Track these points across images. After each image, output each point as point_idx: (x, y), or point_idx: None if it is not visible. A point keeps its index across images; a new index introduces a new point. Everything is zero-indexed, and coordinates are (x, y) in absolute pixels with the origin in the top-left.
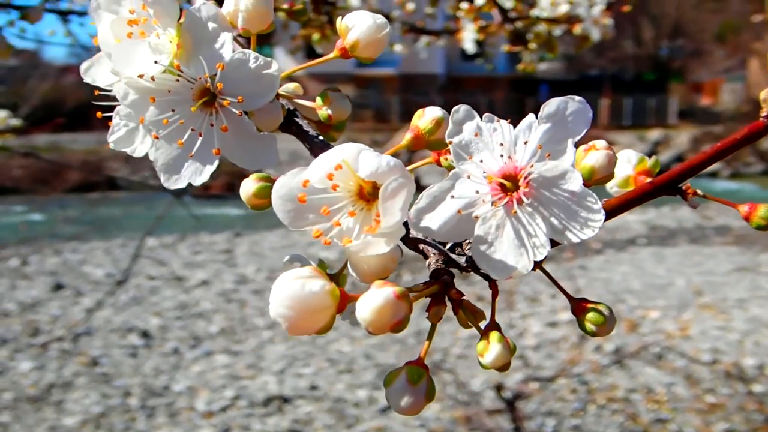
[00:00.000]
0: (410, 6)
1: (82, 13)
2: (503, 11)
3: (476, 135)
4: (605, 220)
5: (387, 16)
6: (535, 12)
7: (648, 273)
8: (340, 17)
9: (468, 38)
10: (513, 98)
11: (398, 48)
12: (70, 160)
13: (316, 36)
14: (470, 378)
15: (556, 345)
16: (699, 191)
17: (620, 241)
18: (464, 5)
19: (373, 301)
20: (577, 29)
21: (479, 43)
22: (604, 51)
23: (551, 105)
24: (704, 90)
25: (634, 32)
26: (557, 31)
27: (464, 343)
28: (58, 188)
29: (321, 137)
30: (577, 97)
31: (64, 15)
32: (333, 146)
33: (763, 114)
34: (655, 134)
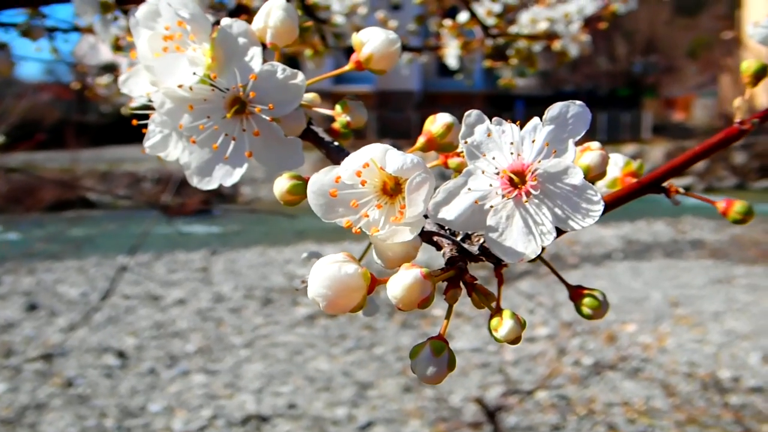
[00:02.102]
0: (392, 23)
1: (67, 30)
2: (485, 28)
3: (488, 135)
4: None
5: None
6: (515, 29)
7: (624, 287)
8: (354, 32)
9: (452, 54)
10: (489, 114)
11: None
12: (45, 178)
13: (308, 52)
14: (449, 393)
15: (534, 359)
16: (681, 189)
17: (597, 255)
18: (447, 22)
19: (403, 280)
20: (556, 45)
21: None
22: (579, 67)
23: (554, 109)
24: (677, 105)
25: (608, 49)
26: (537, 47)
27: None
28: (33, 207)
29: (336, 143)
30: (578, 102)
31: (50, 32)
32: (347, 151)
33: (737, 120)
34: (629, 149)
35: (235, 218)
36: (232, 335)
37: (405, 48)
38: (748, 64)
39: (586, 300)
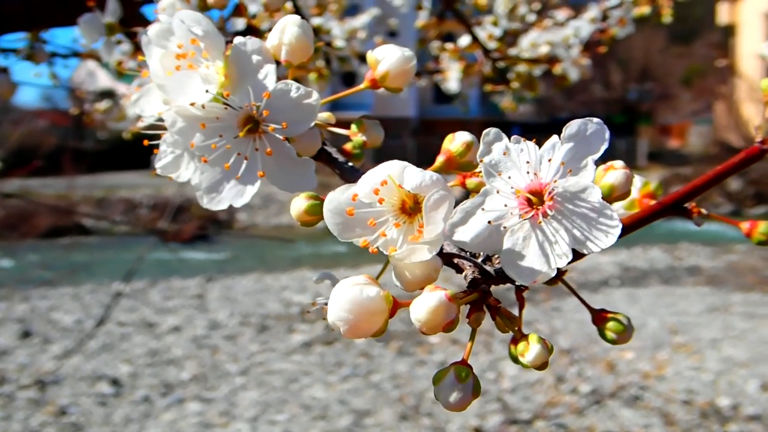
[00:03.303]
0: None
1: (66, 56)
2: (486, 51)
3: (505, 154)
4: (619, 237)
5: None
6: (515, 52)
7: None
8: (369, 51)
9: (453, 78)
10: None
11: None
12: (40, 204)
13: (312, 76)
14: (447, 422)
15: (532, 387)
16: (703, 210)
17: (594, 282)
18: (449, 46)
19: (428, 302)
20: (557, 69)
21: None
22: (574, 94)
23: (572, 126)
24: (672, 132)
25: (603, 76)
26: (537, 71)
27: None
28: (28, 234)
29: (350, 163)
30: (596, 119)
31: (49, 57)
32: (360, 171)
33: (758, 140)
34: None
35: (231, 245)
36: (227, 363)
37: None
38: (766, 83)
39: (611, 324)
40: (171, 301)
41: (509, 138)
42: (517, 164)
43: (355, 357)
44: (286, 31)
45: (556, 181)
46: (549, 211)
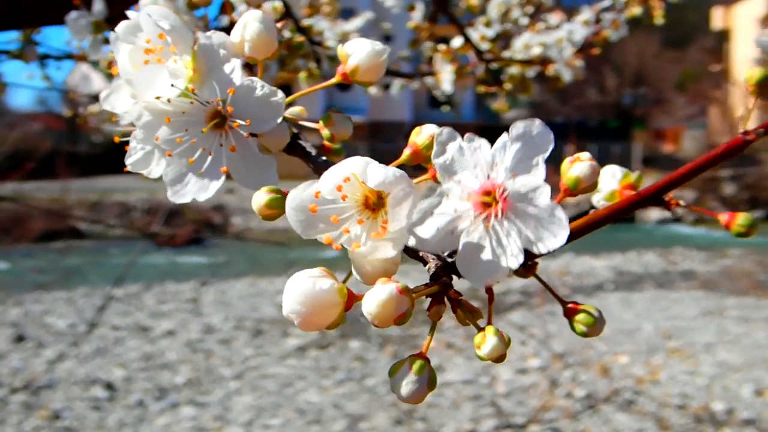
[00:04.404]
0: None
1: (59, 57)
2: (479, 53)
3: (459, 155)
4: (598, 227)
5: None
6: (508, 54)
7: (616, 318)
8: (340, 45)
9: (446, 79)
10: None
11: (372, 91)
12: (34, 208)
13: (303, 74)
14: (441, 426)
15: (526, 391)
16: (681, 202)
17: (588, 286)
18: (442, 47)
19: (378, 295)
20: (550, 70)
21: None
22: (569, 99)
23: (518, 127)
24: (667, 137)
25: (597, 81)
26: (530, 72)
27: (435, 391)
28: (22, 238)
29: (324, 158)
30: (538, 120)
31: (41, 59)
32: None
33: (741, 131)
34: None
35: (225, 249)
36: (221, 367)
37: (397, 74)
38: (751, 73)
39: (581, 316)
40: (165, 305)
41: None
42: (469, 165)
43: (349, 361)
44: (247, 27)
45: (507, 181)
46: (500, 212)
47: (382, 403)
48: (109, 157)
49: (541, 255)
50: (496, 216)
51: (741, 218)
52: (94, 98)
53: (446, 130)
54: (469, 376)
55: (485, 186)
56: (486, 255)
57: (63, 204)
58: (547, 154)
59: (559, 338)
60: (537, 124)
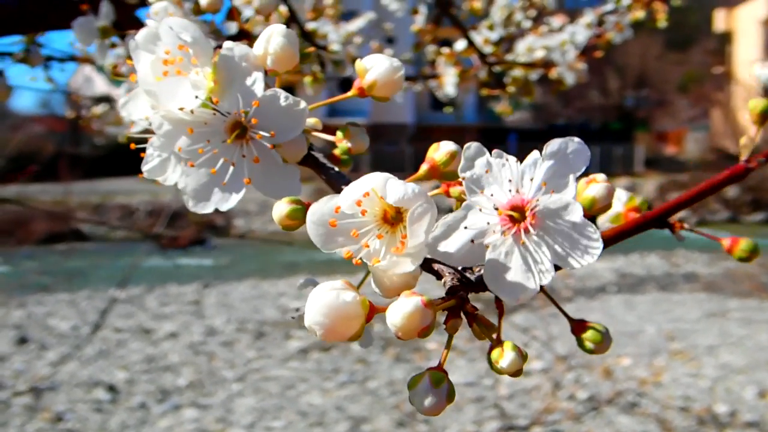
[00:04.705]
0: (388, 52)
1: (63, 60)
2: (482, 56)
3: (486, 171)
4: (604, 248)
5: None
6: (511, 56)
7: (619, 320)
8: (358, 59)
9: (450, 82)
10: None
11: None
12: (37, 210)
13: (308, 79)
14: (444, 428)
15: (529, 393)
16: (686, 225)
17: (591, 288)
18: (445, 50)
19: (404, 308)
20: (553, 73)
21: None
22: (572, 101)
23: (554, 144)
24: (669, 139)
25: (600, 83)
26: (534, 75)
27: None
28: (25, 240)
29: (337, 169)
30: (576, 138)
31: (46, 61)
32: (347, 178)
33: (743, 159)
34: (622, 182)
35: (228, 251)
36: (224, 369)
37: None
38: (755, 104)
39: (589, 334)
40: (167, 308)
41: (490, 153)
42: (498, 180)
43: (352, 363)
44: (271, 40)
45: (538, 198)
46: (531, 228)
47: (385, 405)
48: (112, 159)
49: (573, 269)
50: (526, 231)
51: (743, 243)
52: (97, 100)
53: (474, 145)
54: (471, 378)
55: (514, 201)
56: (515, 269)
57: (66, 206)
58: (579, 173)
59: (562, 340)
60: (575, 142)
